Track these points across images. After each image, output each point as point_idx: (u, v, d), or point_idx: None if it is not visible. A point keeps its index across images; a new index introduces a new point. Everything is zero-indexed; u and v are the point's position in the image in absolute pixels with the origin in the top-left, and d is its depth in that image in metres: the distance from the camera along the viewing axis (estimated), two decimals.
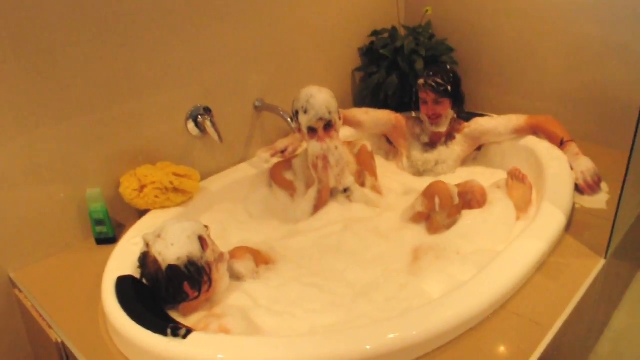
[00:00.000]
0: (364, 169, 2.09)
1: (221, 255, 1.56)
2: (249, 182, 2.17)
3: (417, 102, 2.28)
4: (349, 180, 2.02)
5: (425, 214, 1.89)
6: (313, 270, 1.73)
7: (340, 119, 2.01)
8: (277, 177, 2.11)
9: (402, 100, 2.61)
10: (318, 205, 2.00)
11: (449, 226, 1.87)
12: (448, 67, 2.24)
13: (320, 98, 1.92)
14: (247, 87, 2.22)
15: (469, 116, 2.37)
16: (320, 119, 1.91)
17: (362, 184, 2.08)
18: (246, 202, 2.14)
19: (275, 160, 2.18)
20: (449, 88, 2.18)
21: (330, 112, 1.93)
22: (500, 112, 2.48)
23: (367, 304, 1.54)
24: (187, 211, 1.91)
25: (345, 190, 2.00)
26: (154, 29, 1.85)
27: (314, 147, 1.96)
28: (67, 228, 1.82)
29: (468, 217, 1.89)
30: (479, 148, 2.36)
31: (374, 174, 2.13)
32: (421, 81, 2.20)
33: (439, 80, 2.17)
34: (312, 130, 1.94)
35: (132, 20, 1.79)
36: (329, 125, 1.94)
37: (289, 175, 2.10)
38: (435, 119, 2.23)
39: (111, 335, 1.42)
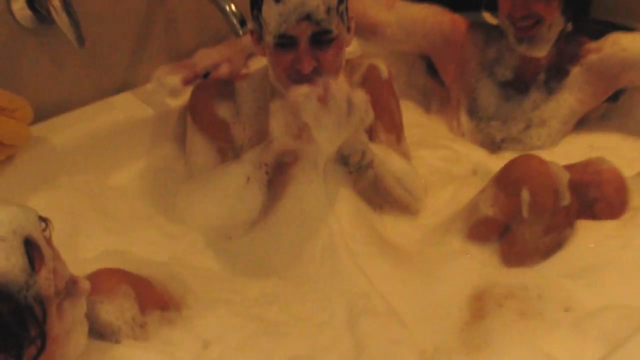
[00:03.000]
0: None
1: (73, 282, 1.49)
2: (134, 130, 2.21)
3: None
4: (363, 142, 1.99)
5: (500, 222, 1.92)
6: (266, 324, 1.77)
7: (350, 27, 2.01)
8: (202, 108, 2.13)
9: None
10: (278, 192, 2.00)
11: (547, 251, 1.90)
12: None
13: None
14: None
15: (598, 29, 2.36)
16: (307, 17, 1.87)
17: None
18: (126, 173, 2.18)
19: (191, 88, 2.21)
20: None
21: (329, 9, 1.89)
22: None
23: None
24: (2, 183, 1.91)
25: (356, 163, 1.99)
26: None
27: (293, 90, 1.92)
28: None
29: (589, 236, 1.92)
30: (615, 96, 2.39)
31: (393, 125, 2.16)
32: None
33: None
34: (284, 46, 1.92)
35: None
36: (324, 39, 1.91)
37: (225, 110, 2.11)
38: (526, 29, 2.24)
39: None
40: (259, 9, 1.91)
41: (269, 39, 1.92)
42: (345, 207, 2.00)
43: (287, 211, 1.97)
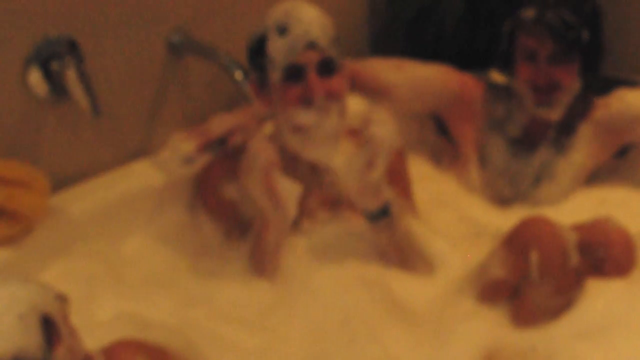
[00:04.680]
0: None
1: (89, 359, 1.49)
2: (149, 198, 2.20)
3: (509, 53, 2.29)
4: (386, 193, 2.00)
5: (510, 283, 1.91)
6: None
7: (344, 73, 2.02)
8: (210, 192, 2.13)
9: (470, 45, 2.61)
10: (259, 264, 2.02)
11: (556, 312, 1.88)
12: None
13: (310, 11, 1.96)
14: (156, 4, 2.23)
15: (605, 85, 2.36)
16: (312, 44, 1.92)
17: None
18: (140, 240, 2.17)
19: (207, 158, 2.19)
20: (583, 35, 2.17)
21: (330, 40, 1.96)
22: None
23: None
24: (19, 256, 1.90)
25: (382, 214, 1.98)
26: None
27: (297, 116, 1.96)
28: None
29: (598, 296, 1.89)
30: (624, 151, 2.39)
31: (408, 192, 2.16)
32: (531, 12, 2.20)
33: (567, 16, 2.16)
34: (292, 78, 1.95)
35: None
36: (329, 67, 1.96)
37: (232, 190, 2.10)
38: (548, 92, 2.22)
39: None
40: (261, 53, 1.96)
41: (276, 75, 1.95)
42: (357, 277, 1.99)
43: (295, 294, 1.97)
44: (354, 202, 2.00)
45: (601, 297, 1.89)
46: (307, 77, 1.93)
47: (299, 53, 1.92)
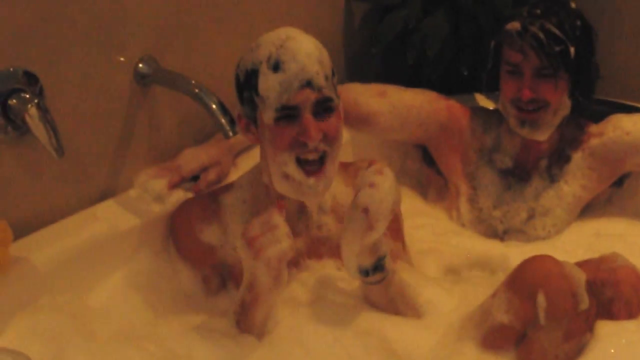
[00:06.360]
0: None
1: None
2: (117, 242, 2.13)
3: (495, 71, 2.30)
4: (383, 247, 1.92)
5: (516, 328, 1.84)
6: None
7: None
8: (185, 236, 2.09)
9: (454, 68, 2.59)
10: (244, 323, 1.93)
11: (567, 358, 1.82)
12: (572, 4, 2.25)
13: (307, 45, 1.89)
14: (122, 32, 2.18)
15: (600, 110, 2.35)
16: (309, 84, 1.84)
17: None
18: (109, 289, 2.10)
19: (180, 195, 2.18)
20: (572, 49, 2.17)
21: (327, 77, 1.88)
22: None
23: None
24: None
25: (375, 270, 1.91)
26: None
27: (288, 167, 1.89)
28: None
29: (610, 341, 1.84)
30: (621, 180, 2.39)
31: (399, 232, 2.15)
32: (515, 25, 2.21)
33: (553, 29, 2.16)
34: (286, 119, 1.87)
35: None
36: (326, 107, 1.88)
37: (210, 234, 2.05)
38: (534, 110, 2.21)
39: None
40: (253, 88, 1.88)
41: (269, 114, 1.87)
42: (350, 327, 1.95)
43: (285, 349, 1.91)
44: (346, 263, 1.92)
45: (613, 341, 1.84)
46: (302, 119, 1.86)
47: (294, 93, 1.85)
